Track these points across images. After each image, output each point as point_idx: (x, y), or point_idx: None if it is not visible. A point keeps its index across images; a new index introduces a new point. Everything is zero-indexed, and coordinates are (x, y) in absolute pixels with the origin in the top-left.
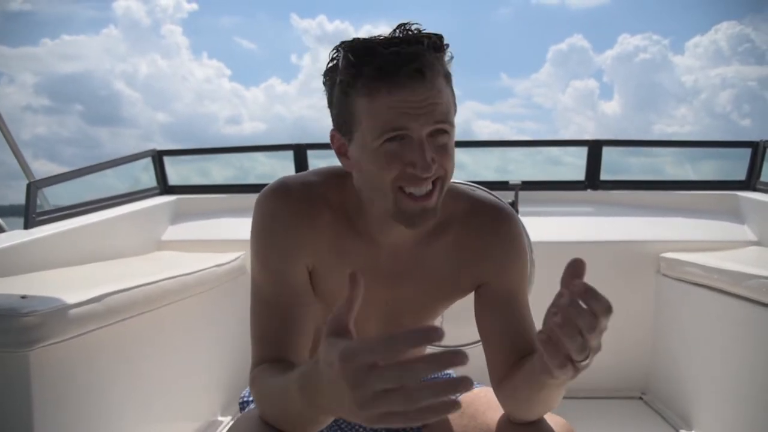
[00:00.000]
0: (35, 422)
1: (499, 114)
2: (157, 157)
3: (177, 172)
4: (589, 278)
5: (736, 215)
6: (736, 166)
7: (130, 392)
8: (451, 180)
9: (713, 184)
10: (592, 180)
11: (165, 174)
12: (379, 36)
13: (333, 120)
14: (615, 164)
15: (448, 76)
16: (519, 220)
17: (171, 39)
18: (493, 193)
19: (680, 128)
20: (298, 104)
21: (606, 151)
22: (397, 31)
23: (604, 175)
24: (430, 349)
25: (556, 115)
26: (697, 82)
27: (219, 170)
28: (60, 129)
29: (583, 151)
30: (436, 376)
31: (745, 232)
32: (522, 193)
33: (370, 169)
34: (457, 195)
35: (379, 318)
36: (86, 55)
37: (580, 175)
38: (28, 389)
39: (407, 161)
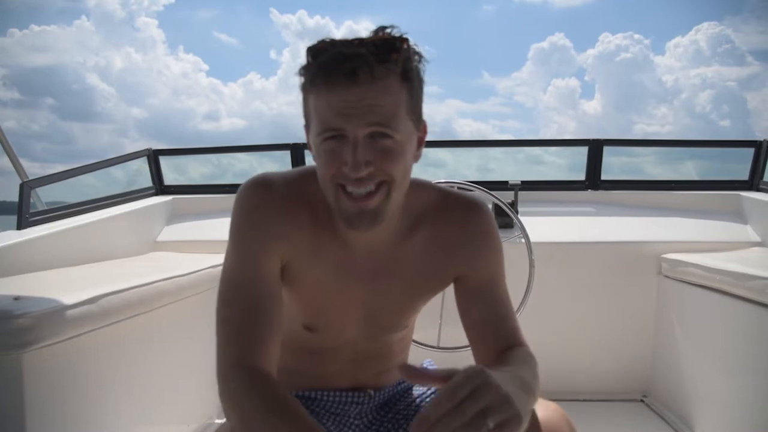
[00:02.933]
0: (28, 425)
1: (481, 112)
2: (153, 157)
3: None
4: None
5: (738, 216)
6: (718, 166)
7: (125, 395)
8: (440, 181)
9: (715, 184)
10: (593, 180)
11: (161, 174)
12: (351, 39)
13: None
14: None
15: (407, 79)
16: (490, 211)
17: (146, 32)
18: (492, 192)
19: (660, 128)
20: (278, 100)
21: (582, 150)
22: (376, 33)
23: (614, 174)
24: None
25: (538, 114)
26: (677, 82)
27: (196, 167)
28: (30, 123)
29: (564, 151)
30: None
31: (747, 232)
32: (522, 193)
33: (317, 165)
34: (428, 191)
35: (359, 316)
36: (57, 47)
37: (561, 173)
38: (21, 392)
39: (343, 160)
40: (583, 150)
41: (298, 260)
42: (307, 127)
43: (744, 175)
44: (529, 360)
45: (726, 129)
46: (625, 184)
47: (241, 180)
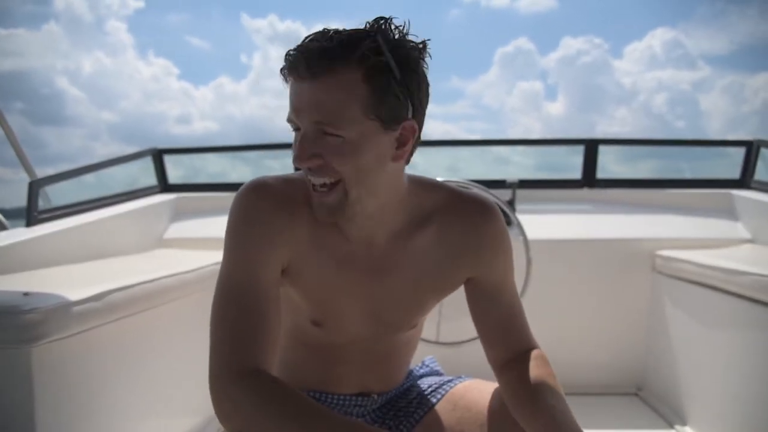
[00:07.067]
0: (37, 417)
1: (450, 114)
2: (157, 156)
3: (128, 174)
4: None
5: (730, 213)
6: (670, 165)
7: (131, 388)
8: (438, 179)
9: (708, 183)
10: (589, 178)
11: (165, 172)
12: (334, 30)
13: None
14: (558, 163)
15: (370, 77)
16: (501, 213)
17: (115, 36)
18: (490, 190)
19: (621, 128)
20: (249, 104)
21: (548, 150)
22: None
23: (575, 174)
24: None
25: (504, 115)
26: (635, 85)
27: (169, 169)
28: None
29: (531, 151)
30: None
31: (739, 229)
32: (519, 192)
33: None
34: (436, 189)
35: (367, 312)
36: (26, 51)
37: (527, 173)
38: (30, 385)
39: None
40: (551, 150)
41: (299, 257)
42: None
43: (694, 173)
44: (558, 394)
45: (681, 129)
46: (620, 183)
47: (217, 180)
